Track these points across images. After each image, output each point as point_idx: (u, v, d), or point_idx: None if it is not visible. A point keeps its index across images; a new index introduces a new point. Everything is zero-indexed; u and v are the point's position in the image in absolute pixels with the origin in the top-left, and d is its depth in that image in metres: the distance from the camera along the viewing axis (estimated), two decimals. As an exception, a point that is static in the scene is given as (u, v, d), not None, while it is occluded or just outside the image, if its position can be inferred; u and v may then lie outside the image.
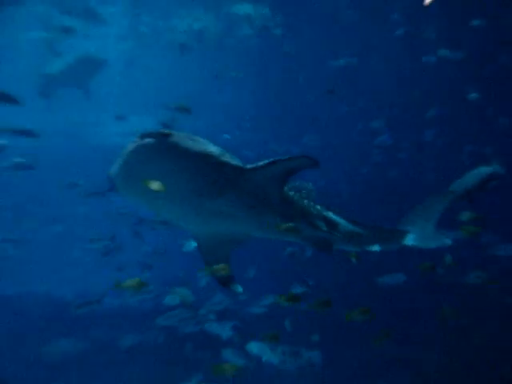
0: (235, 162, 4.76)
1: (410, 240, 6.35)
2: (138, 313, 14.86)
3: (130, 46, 18.93)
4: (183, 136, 4.44)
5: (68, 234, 17.64)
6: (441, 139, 19.07)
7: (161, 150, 4.22)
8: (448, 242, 6.34)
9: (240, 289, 5.64)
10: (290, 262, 14.11)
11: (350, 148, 20.80)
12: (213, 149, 4.58)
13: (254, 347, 12.06)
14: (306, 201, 5.65)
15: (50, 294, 17.00)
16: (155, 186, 4.24)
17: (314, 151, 20.14)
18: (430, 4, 15.08)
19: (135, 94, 23.10)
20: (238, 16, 16.24)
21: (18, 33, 18.17)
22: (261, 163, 4.79)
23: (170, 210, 4.82)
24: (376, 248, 6.18)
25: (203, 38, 17.57)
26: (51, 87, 19.45)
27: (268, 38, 17.13)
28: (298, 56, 18.63)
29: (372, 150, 18.64)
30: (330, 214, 5.90)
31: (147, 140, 4.23)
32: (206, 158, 4.43)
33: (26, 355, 13.51)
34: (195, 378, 13.46)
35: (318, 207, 5.79)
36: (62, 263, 21.79)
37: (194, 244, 12.96)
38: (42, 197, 21.77)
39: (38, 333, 14.19)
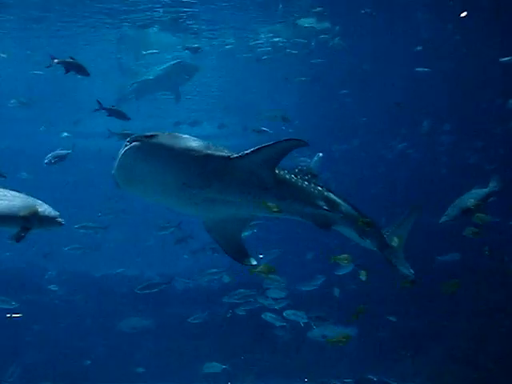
0: (221, 152, 5.09)
1: (381, 250, 6.61)
2: (208, 292, 16.18)
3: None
4: (167, 136, 4.88)
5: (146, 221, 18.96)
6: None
7: (146, 151, 4.73)
8: (411, 274, 6.65)
9: (254, 261, 5.78)
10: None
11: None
12: (196, 143, 4.97)
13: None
14: (305, 182, 5.83)
15: (138, 276, 18.37)
16: (148, 183, 4.87)
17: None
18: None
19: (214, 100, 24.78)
20: (303, 28, 17.34)
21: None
22: (246, 151, 5.05)
23: (169, 203, 5.34)
24: (373, 247, 6.49)
25: (276, 49, 18.70)
26: (143, 92, 21.45)
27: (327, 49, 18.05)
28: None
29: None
30: (331, 195, 6.05)
31: (134, 143, 4.74)
32: (189, 152, 4.86)
33: (107, 328, 15.34)
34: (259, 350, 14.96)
35: (319, 188, 5.95)
36: (146, 248, 23.68)
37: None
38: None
39: (121, 309, 15.91)
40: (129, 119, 11.31)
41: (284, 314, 12.43)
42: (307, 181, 5.91)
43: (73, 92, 22.33)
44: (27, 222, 5.54)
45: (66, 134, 19.58)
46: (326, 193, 6.03)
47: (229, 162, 5.08)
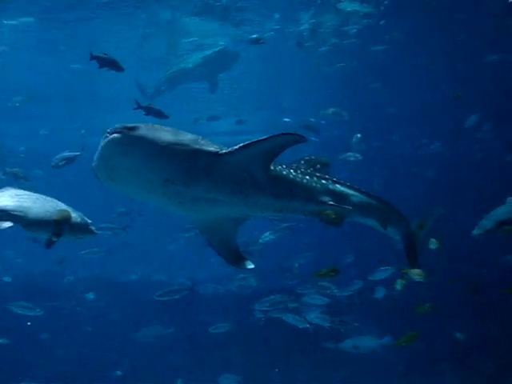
0: (210, 148, 4.74)
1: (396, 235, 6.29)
2: (238, 298, 15.62)
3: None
4: (150, 128, 4.56)
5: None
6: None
7: (126, 144, 4.43)
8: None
9: (252, 265, 5.43)
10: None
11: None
12: (183, 137, 4.64)
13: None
14: (306, 177, 5.43)
15: (167, 281, 17.88)
16: (128, 178, 4.54)
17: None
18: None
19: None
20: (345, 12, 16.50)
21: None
22: (235, 146, 4.72)
23: (153, 200, 4.98)
24: (396, 236, 6.20)
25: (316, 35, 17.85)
26: (178, 82, 20.49)
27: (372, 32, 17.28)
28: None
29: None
30: (338, 187, 5.64)
31: (114, 135, 4.44)
32: (174, 146, 4.54)
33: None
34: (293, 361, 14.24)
35: (323, 181, 5.55)
36: (171, 252, 23.16)
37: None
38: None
39: (146, 317, 15.32)
40: (167, 117, 10.99)
41: (307, 318, 12.09)
42: (309, 174, 5.51)
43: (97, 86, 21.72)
44: (59, 227, 5.26)
45: (83, 131, 18.97)
46: (331, 186, 5.61)
47: (217, 158, 4.71)
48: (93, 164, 4.59)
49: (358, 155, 14.89)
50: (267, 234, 13.59)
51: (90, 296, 15.83)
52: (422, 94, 21.43)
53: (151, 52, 19.57)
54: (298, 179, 5.34)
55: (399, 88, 20.87)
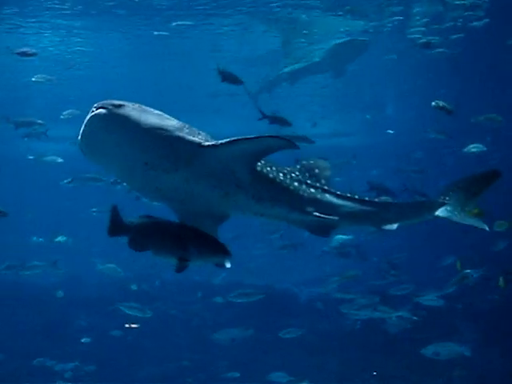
0: (194, 137, 4.57)
1: (443, 211, 5.81)
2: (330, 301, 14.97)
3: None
4: (136, 107, 4.48)
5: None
6: None
7: (109, 120, 4.36)
8: (485, 227, 5.75)
9: (228, 264, 4.88)
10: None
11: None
12: (167, 122, 4.53)
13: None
14: (295, 183, 5.20)
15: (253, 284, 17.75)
16: (110, 156, 4.48)
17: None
18: None
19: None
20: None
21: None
22: (221, 141, 4.55)
23: (131, 182, 4.90)
24: (393, 227, 5.72)
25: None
26: (301, 75, 20.72)
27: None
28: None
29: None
30: (327, 197, 5.38)
31: (99, 110, 4.37)
32: (156, 130, 4.45)
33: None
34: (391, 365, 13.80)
35: (312, 190, 5.31)
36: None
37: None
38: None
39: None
40: (290, 125, 11.27)
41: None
42: (299, 180, 5.24)
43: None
44: (185, 251, 4.60)
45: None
46: (319, 195, 5.32)
47: (199, 149, 4.53)
48: (78, 137, 4.53)
49: None
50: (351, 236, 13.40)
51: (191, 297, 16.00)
52: None
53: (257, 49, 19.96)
54: (285, 184, 5.12)
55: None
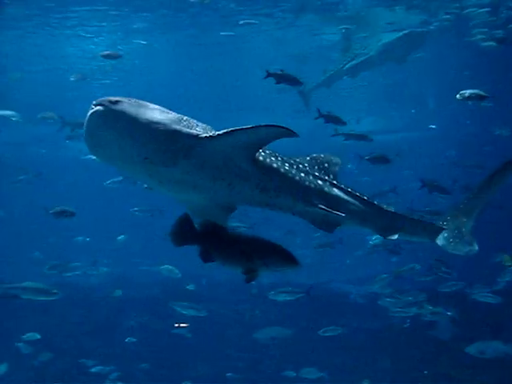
0: (191, 130, 4.60)
1: (440, 239, 5.73)
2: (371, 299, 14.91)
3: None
4: (133, 103, 4.52)
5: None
6: None
7: (107, 117, 4.42)
8: (475, 248, 5.66)
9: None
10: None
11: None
12: (164, 116, 4.56)
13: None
14: (301, 174, 5.15)
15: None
16: (111, 152, 4.54)
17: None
18: None
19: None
20: None
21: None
22: (218, 132, 4.56)
23: (135, 176, 4.97)
24: (394, 237, 5.58)
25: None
26: (363, 68, 20.75)
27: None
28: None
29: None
30: (335, 191, 5.33)
31: (97, 108, 4.44)
32: (154, 124, 4.47)
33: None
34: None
35: (320, 182, 5.26)
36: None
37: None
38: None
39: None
40: (345, 124, 11.29)
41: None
42: (305, 172, 5.21)
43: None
44: (253, 263, 4.59)
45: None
46: (327, 188, 5.29)
47: (198, 141, 4.55)
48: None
49: None
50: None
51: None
52: None
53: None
54: (290, 175, 5.08)
55: None
